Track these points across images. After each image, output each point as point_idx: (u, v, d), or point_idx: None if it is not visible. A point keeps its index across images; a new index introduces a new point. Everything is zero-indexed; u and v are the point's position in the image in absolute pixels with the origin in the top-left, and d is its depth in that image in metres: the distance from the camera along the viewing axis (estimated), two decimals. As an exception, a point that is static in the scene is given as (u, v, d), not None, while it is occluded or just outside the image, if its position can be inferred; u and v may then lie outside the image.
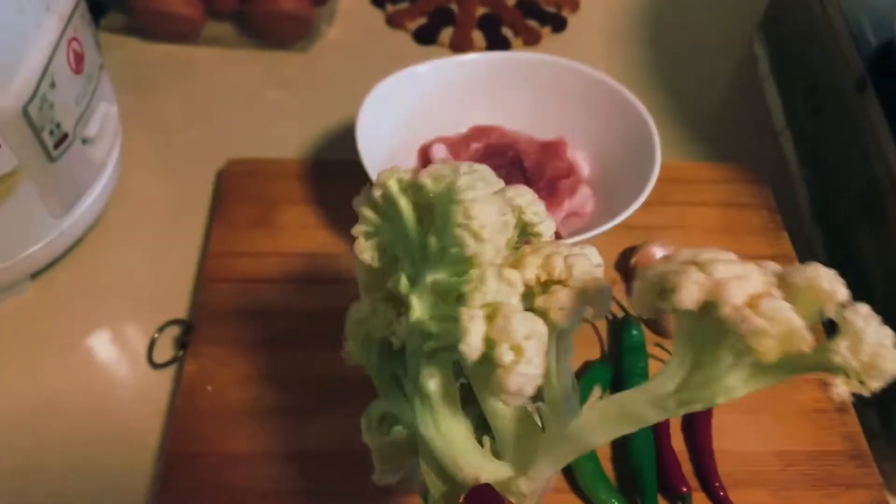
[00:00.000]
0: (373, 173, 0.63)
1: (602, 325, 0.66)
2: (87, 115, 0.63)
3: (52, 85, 0.57)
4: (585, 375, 0.61)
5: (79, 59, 0.60)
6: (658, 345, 0.64)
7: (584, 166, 0.71)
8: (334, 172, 0.75)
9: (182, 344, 0.65)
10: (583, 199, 0.68)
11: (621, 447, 0.58)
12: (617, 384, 0.61)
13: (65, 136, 0.60)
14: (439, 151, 0.70)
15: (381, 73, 0.74)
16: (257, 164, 0.76)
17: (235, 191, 0.74)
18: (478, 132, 0.74)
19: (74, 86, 0.60)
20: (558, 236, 0.65)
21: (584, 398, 0.56)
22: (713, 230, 0.74)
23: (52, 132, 0.58)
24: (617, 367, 0.62)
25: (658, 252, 0.68)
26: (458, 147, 0.71)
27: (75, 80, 0.60)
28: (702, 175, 0.78)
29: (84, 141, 0.63)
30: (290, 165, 0.76)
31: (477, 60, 0.72)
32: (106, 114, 0.66)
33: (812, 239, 0.76)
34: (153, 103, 0.84)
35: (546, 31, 0.94)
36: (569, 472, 0.57)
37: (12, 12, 0.52)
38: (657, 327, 0.66)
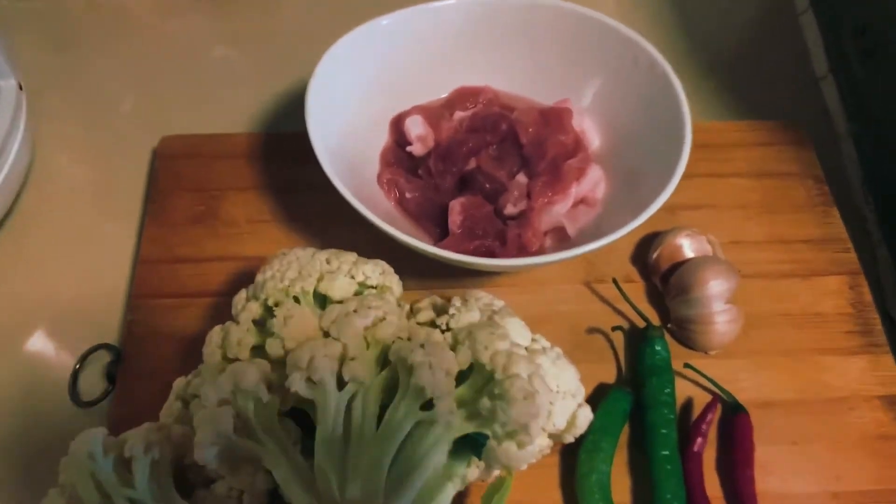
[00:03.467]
0: (326, 159, 0.50)
1: (618, 339, 0.54)
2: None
3: None
4: (602, 406, 0.50)
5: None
6: (688, 365, 0.52)
7: (594, 137, 0.58)
8: (292, 148, 0.62)
9: (110, 377, 0.53)
10: (593, 181, 0.55)
11: (647, 494, 0.48)
12: (639, 415, 0.50)
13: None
14: (415, 125, 0.57)
15: (352, 26, 0.60)
16: (198, 141, 0.63)
17: (172, 176, 0.61)
18: (462, 96, 0.60)
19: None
20: (564, 235, 0.53)
21: (603, 431, 0.46)
22: (749, 209, 0.61)
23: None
24: (638, 392, 0.51)
25: (686, 244, 0.56)
26: (438, 117, 0.58)
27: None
28: (732, 137, 0.65)
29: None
30: (238, 142, 0.63)
31: (454, 7, 0.58)
32: (-5, 91, 0.53)
33: (863, 210, 0.64)
34: (76, 65, 0.70)
35: (543, -39, 0.79)
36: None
37: None
38: (685, 339, 0.54)
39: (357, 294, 0.45)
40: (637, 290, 0.57)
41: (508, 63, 0.60)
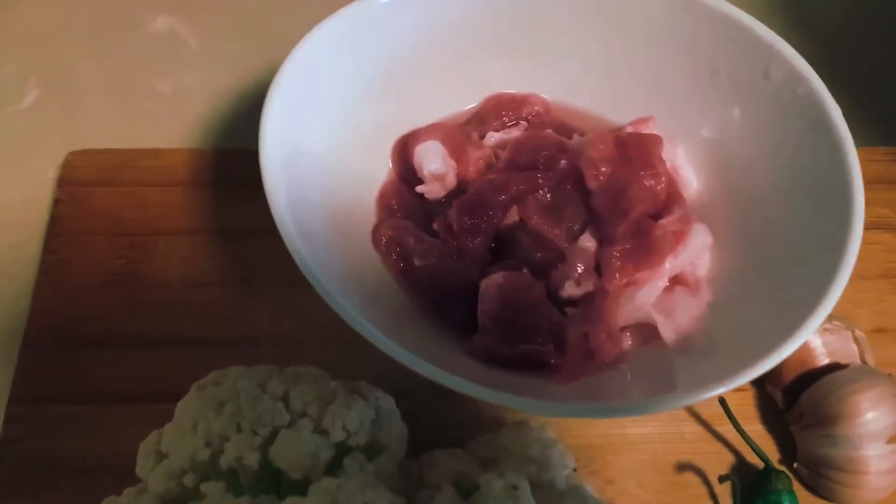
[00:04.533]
0: (283, 203, 0.32)
1: (723, 492, 0.37)
2: None
3: None
4: None
5: None
6: (833, 540, 0.35)
7: (690, 178, 0.40)
8: (255, 174, 0.44)
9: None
10: (696, 250, 0.37)
11: None
12: None
13: None
14: (429, 156, 0.39)
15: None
16: (120, 159, 0.45)
17: (79, 213, 0.43)
18: (497, 108, 0.42)
19: None
20: (651, 333, 0.35)
21: None
22: (898, 279, 0.43)
23: None
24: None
25: (820, 345, 0.38)
26: (462, 142, 0.40)
27: None
28: (869, 171, 0.46)
29: None
30: (176, 161, 0.45)
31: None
32: None
33: None
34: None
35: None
36: None
37: None
38: (821, 487, 0.37)
39: (333, 465, 0.28)
40: (746, 402, 0.40)
41: (566, 61, 0.42)
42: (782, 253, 0.35)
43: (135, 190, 0.44)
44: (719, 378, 0.30)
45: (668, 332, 0.35)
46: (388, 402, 0.31)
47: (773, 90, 0.37)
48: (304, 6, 0.53)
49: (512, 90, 0.42)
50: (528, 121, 0.42)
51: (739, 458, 0.38)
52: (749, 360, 0.30)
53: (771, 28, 0.37)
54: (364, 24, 0.37)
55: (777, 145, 0.37)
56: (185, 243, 0.42)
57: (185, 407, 0.29)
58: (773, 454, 0.38)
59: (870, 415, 0.35)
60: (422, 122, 0.41)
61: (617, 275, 0.36)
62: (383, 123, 0.40)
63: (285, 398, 0.29)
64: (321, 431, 0.28)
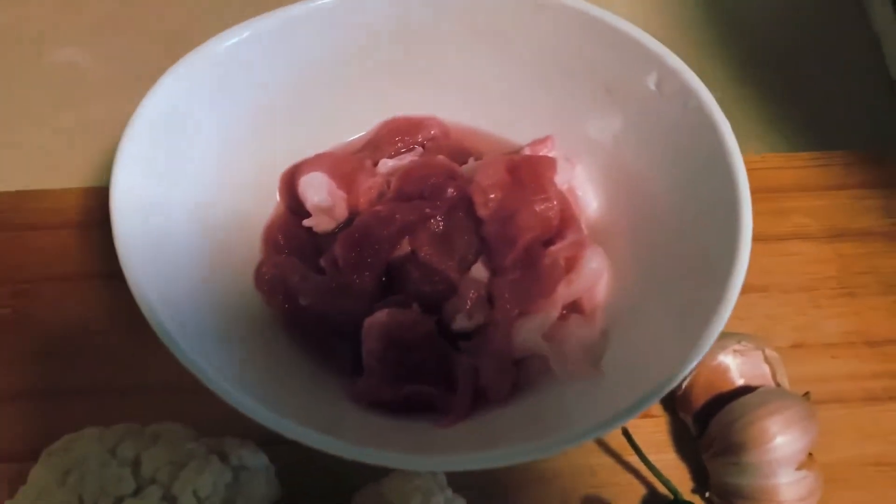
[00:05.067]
0: (130, 255, 0.30)
1: (631, 526, 0.36)
2: None
3: None
4: None
5: None
6: (742, 577, 0.33)
7: (590, 199, 0.39)
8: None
9: None
10: (591, 276, 0.35)
11: None
12: None
13: None
14: (314, 187, 0.37)
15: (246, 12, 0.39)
16: (2, 203, 0.43)
17: (-38, 262, 0.41)
18: (393, 133, 0.40)
19: None
20: (543, 368, 0.33)
21: None
22: (819, 290, 0.42)
23: None
24: None
25: (734, 367, 0.36)
26: (354, 171, 0.38)
27: None
28: (788, 178, 0.45)
29: None
30: (64, 202, 0.43)
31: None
32: None
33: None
34: None
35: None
36: None
37: None
38: (734, 518, 0.35)
39: (182, 535, 0.26)
40: (659, 430, 0.38)
41: (463, 83, 0.40)
42: (677, 273, 0.33)
43: (19, 235, 0.42)
44: (612, 411, 0.28)
45: (558, 363, 0.33)
46: (254, 460, 0.29)
47: (664, 105, 0.35)
48: (208, 35, 0.51)
49: (409, 113, 0.41)
50: (423, 146, 0.40)
51: (651, 489, 0.36)
52: (643, 390, 0.29)
53: (692, 34, 0.35)
54: (229, 61, 0.35)
55: (670, 161, 0.35)
56: (73, 288, 0.40)
57: (33, 476, 0.28)
58: (687, 483, 0.37)
59: (778, 440, 0.33)
60: (314, 151, 0.39)
61: (507, 306, 0.34)
62: (272, 157, 0.39)
63: (136, 462, 0.27)
64: (171, 498, 0.26)
